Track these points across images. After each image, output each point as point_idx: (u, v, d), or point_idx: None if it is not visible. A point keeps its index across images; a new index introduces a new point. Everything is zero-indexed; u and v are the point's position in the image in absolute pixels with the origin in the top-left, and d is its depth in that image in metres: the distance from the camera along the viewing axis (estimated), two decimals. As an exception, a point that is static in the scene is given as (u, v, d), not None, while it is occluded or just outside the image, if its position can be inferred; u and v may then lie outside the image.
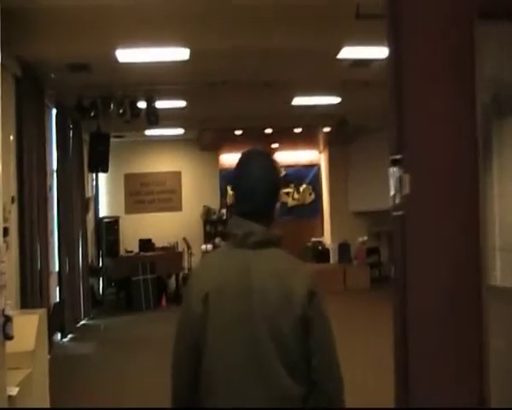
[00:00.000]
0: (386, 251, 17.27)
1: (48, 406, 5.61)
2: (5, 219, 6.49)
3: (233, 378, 2.01)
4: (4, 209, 6.22)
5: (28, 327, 4.97)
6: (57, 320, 8.58)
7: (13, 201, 7.50)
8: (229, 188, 17.31)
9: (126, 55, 7.86)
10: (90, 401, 6.81)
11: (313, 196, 17.88)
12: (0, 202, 4.24)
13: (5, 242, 5.43)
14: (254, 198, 2.13)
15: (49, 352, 8.23)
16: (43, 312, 5.66)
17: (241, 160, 2.23)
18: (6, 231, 6.20)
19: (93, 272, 14.13)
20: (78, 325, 11.75)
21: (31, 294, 7.90)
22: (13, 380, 4.41)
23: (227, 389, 2.01)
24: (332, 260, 16.57)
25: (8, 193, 7.20)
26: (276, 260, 2.11)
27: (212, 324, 2.04)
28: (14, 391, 4.33)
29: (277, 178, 2.25)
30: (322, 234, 17.53)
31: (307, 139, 16.75)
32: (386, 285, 15.76)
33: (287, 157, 17.53)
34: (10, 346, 3.90)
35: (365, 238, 16.07)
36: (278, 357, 1.99)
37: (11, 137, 7.63)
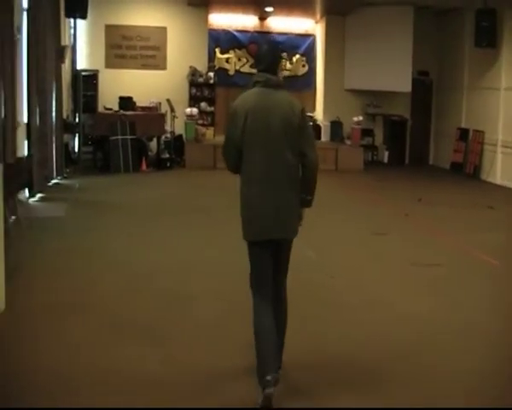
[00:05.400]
0: (381, 134, 16.50)
1: (1, 280, 4.84)
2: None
3: (259, 153, 3.72)
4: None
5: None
6: (23, 176, 7.68)
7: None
8: (217, 50, 16.13)
9: None
10: (58, 281, 5.97)
11: (307, 67, 16.84)
12: None
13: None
14: (272, 64, 3.87)
15: (14, 213, 7.47)
16: (-3, 167, 4.72)
17: (263, 44, 4.19)
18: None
19: (68, 127, 13.18)
20: (50, 184, 10.91)
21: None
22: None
23: (256, 158, 3.72)
24: (323, 138, 15.76)
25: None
26: (283, 94, 3.85)
27: (249, 125, 3.71)
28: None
29: (280, 54, 4.44)
30: (313, 109, 16.59)
31: (304, 6, 15.56)
32: (380, 170, 15.13)
33: (280, 23, 16.44)
34: None
35: (360, 118, 15.17)
36: (286, 143, 3.74)
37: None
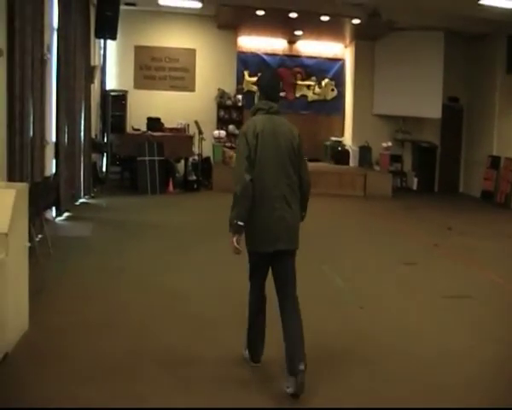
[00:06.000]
0: (410, 161, 16.28)
1: (26, 300, 4.74)
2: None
3: (271, 172, 4.09)
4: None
5: (1, 205, 4.03)
6: (50, 195, 7.63)
7: (1, 53, 6.41)
8: (246, 73, 16.15)
9: None
10: (83, 301, 5.84)
11: (335, 92, 16.78)
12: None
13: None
14: (274, 92, 4.35)
15: (40, 231, 7.44)
16: (22, 187, 4.57)
17: (265, 73, 5.27)
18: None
19: (96, 147, 13.21)
20: (77, 203, 10.90)
21: (19, 165, 6.94)
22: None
23: (268, 176, 4.08)
24: (351, 163, 15.62)
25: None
26: (283, 120, 4.27)
27: (260, 147, 4.07)
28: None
29: (280, 81, 4.66)
30: (342, 134, 16.49)
31: (334, 30, 15.49)
32: (408, 196, 14.89)
33: (309, 47, 16.49)
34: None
35: (390, 144, 14.98)
36: (290, 164, 4.16)
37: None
